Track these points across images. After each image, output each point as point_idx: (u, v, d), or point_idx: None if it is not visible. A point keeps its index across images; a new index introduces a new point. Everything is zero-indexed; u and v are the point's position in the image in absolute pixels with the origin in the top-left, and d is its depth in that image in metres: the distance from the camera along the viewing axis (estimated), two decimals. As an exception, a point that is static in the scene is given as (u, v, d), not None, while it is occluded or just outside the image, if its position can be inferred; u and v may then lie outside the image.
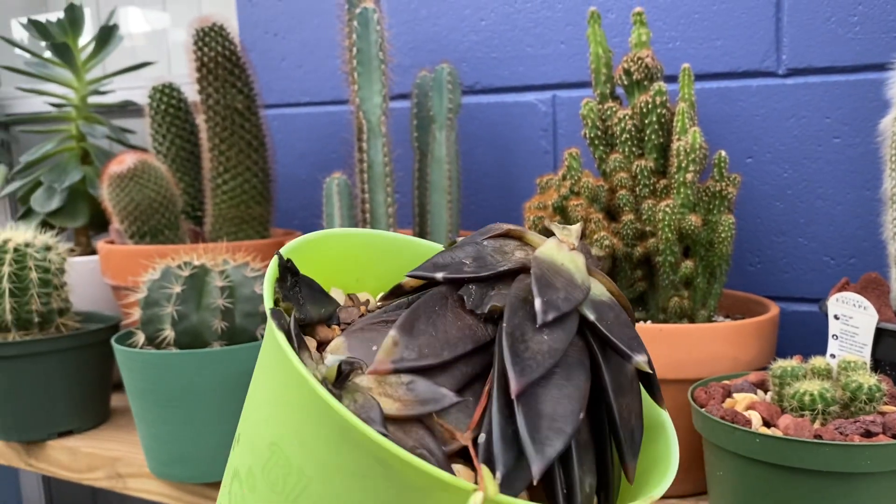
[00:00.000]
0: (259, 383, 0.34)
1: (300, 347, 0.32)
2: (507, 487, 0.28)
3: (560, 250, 0.36)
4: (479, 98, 0.93)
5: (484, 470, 0.28)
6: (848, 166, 0.76)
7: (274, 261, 0.37)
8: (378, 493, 0.28)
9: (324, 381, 0.31)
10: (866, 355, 0.59)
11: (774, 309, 0.68)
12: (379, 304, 0.40)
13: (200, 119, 0.91)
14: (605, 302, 0.35)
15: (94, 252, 1.06)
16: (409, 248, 0.44)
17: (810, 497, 0.50)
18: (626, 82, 0.73)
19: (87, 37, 1.09)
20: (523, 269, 0.35)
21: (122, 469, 0.81)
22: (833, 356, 0.61)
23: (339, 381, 0.32)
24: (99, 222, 1.06)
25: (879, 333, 0.58)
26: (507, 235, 0.38)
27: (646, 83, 0.72)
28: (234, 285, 0.72)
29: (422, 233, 0.85)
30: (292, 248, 0.39)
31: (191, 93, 0.94)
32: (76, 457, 0.83)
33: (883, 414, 0.52)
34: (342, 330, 0.38)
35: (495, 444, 0.29)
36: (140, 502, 1.35)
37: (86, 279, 0.94)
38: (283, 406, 0.31)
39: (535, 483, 0.28)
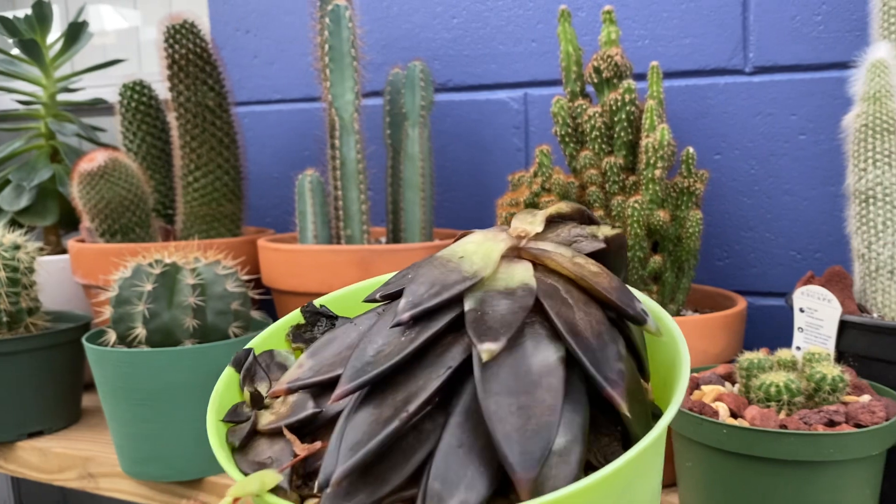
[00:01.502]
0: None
1: (248, 381, 0.37)
2: (334, 497, 0.28)
3: (483, 242, 0.34)
4: (452, 96, 0.93)
5: (259, 472, 0.29)
6: (814, 162, 0.77)
7: (296, 311, 0.41)
8: None
9: (235, 406, 0.36)
10: (831, 347, 0.60)
11: (742, 303, 0.70)
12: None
13: (171, 117, 0.91)
14: (508, 290, 0.31)
15: (64, 251, 1.04)
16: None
17: (776, 485, 0.51)
18: (595, 80, 0.74)
19: (55, 34, 1.07)
20: None
21: (93, 469, 0.80)
22: (799, 348, 0.62)
23: (256, 403, 0.36)
24: (69, 221, 1.05)
25: (843, 326, 0.60)
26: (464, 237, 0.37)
27: (615, 81, 0.73)
28: (206, 283, 0.72)
29: (395, 230, 0.85)
30: (335, 297, 0.43)
31: (162, 91, 0.93)
32: (47, 457, 0.82)
33: (846, 404, 0.53)
34: None
35: (327, 453, 0.29)
36: (111, 502, 1.34)
37: (56, 278, 0.93)
38: None
39: (324, 488, 0.27)
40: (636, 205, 0.68)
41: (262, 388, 0.36)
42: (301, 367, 0.33)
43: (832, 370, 0.54)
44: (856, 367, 0.58)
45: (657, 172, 0.68)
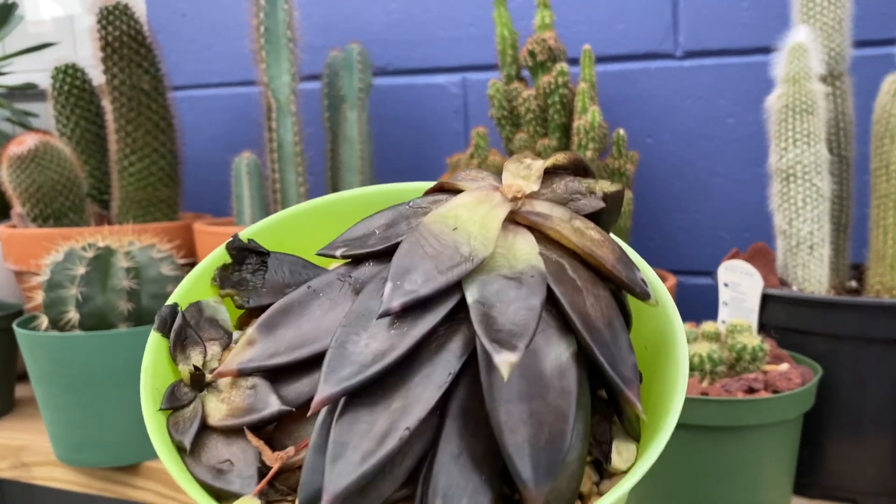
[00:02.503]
0: None
1: (178, 347, 0.32)
2: None
3: (477, 205, 0.29)
4: (392, 80, 0.93)
5: (241, 501, 0.26)
6: (741, 145, 0.79)
7: (220, 248, 0.34)
8: None
9: (173, 387, 0.31)
10: (753, 320, 0.62)
11: (671, 279, 0.71)
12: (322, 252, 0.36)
13: (106, 101, 0.89)
14: (514, 273, 0.27)
15: (-5, 239, 1.02)
16: (376, 197, 0.38)
17: (698, 451, 0.52)
18: (530, 63, 0.75)
19: (-16, 16, 1.05)
20: None
21: (27, 458, 0.78)
22: (724, 322, 0.64)
23: (197, 383, 0.31)
24: (0, 207, 1.03)
25: (765, 299, 0.62)
26: (441, 190, 0.32)
27: (549, 64, 0.74)
28: (140, 266, 0.71)
29: (334, 213, 0.85)
30: (264, 226, 0.36)
31: (98, 77, 0.91)
32: (-22, 447, 0.80)
33: (765, 373, 0.55)
34: None
35: (304, 466, 0.25)
36: (47, 492, 1.31)
37: (-14, 266, 0.91)
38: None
39: None
40: (569, 185, 0.69)
41: (196, 355, 0.32)
42: (252, 343, 0.29)
43: (752, 340, 0.56)
44: (777, 339, 0.61)
45: (589, 154, 0.70)
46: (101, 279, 0.70)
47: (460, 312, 0.26)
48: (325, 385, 0.25)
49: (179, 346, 0.33)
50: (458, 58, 0.90)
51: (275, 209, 0.80)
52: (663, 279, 0.73)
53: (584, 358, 0.27)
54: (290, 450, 0.28)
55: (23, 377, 0.91)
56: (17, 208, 0.87)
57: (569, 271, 0.28)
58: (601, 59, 0.83)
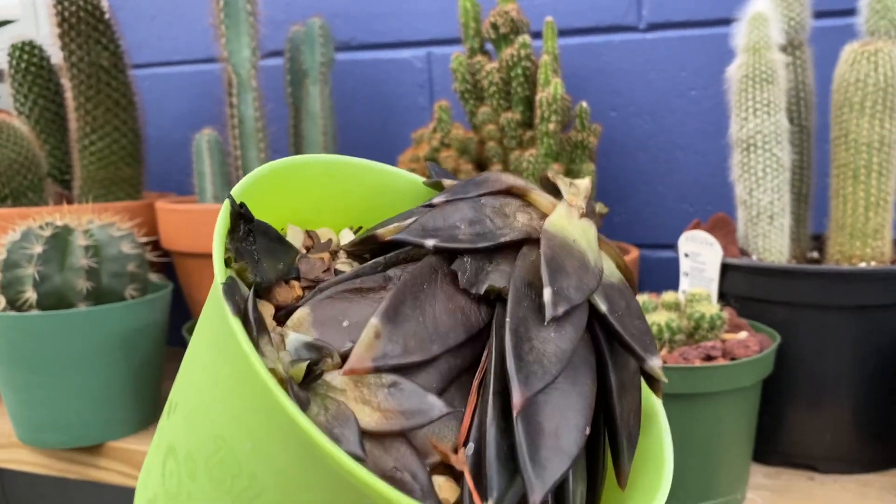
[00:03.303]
0: (201, 360, 0.30)
1: (259, 333, 0.27)
2: None
3: (570, 219, 0.31)
4: (355, 55, 0.92)
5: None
6: (704, 117, 0.79)
7: (225, 207, 0.30)
8: None
9: (288, 382, 0.26)
10: (714, 290, 0.62)
11: (634, 252, 0.72)
12: (345, 248, 0.35)
13: (65, 78, 0.88)
14: (615, 285, 0.30)
15: (-45, 221, 1.00)
16: (373, 175, 0.38)
17: (657, 419, 0.53)
18: (493, 36, 0.74)
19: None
20: (528, 241, 0.30)
21: (-12, 441, 0.78)
22: (684, 292, 0.64)
23: (307, 380, 0.27)
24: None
25: (725, 269, 0.62)
26: (508, 193, 0.33)
27: (512, 37, 0.73)
28: (100, 245, 0.70)
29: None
30: (246, 187, 0.32)
31: (58, 56, 0.90)
32: (-62, 431, 0.79)
33: (724, 341, 0.56)
34: (304, 289, 0.32)
35: (489, 464, 0.25)
36: (14, 475, 1.30)
37: (-55, 248, 0.90)
38: (233, 400, 0.26)
39: None
40: (531, 158, 0.69)
41: (268, 349, 0.27)
42: (379, 336, 0.26)
43: (711, 309, 0.56)
44: (737, 308, 0.61)
45: (551, 126, 0.69)
46: (59, 258, 0.69)
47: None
48: (522, 386, 0.25)
49: (257, 333, 0.27)
50: (422, 32, 0.89)
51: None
52: (626, 252, 0.73)
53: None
54: (462, 451, 0.27)
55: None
56: (-25, 189, 0.85)
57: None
58: (564, 33, 0.83)
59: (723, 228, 0.66)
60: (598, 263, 0.29)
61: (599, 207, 0.34)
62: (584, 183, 0.32)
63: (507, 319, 0.27)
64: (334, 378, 0.27)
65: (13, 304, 0.69)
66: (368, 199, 0.37)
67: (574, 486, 0.28)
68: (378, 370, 0.26)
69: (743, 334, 0.57)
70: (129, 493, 1.18)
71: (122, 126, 0.89)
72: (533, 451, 0.25)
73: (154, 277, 0.76)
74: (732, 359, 0.53)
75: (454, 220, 0.30)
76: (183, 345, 0.75)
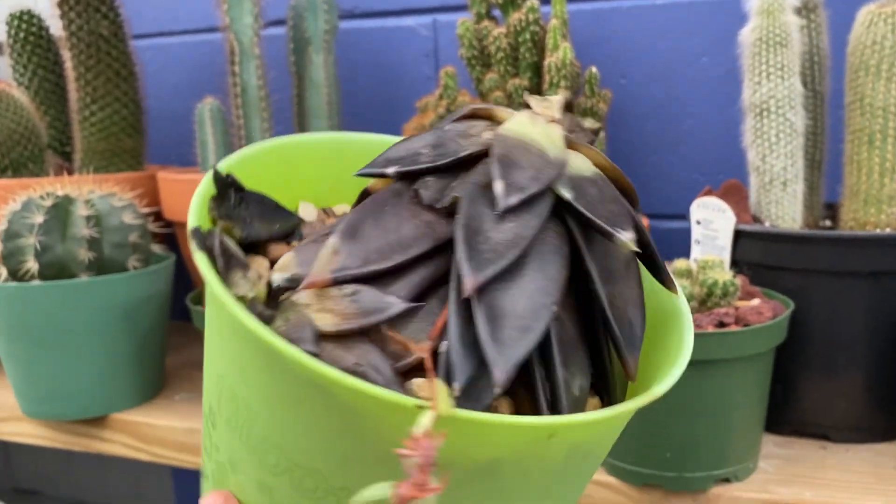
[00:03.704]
0: (206, 313, 0.32)
1: (229, 268, 0.29)
2: (469, 399, 0.25)
3: (533, 124, 0.31)
4: (360, 23, 0.91)
5: (437, 383, 0.24)
6: (715, 85, 0.78)
7: (207, 176, 0.32)
8: (321, 420, 0.25)
9: (252, 303, 0.28)
10: (726, 257, 0.61)
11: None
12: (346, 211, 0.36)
13: (65, 48, 0.86)
14: (587, 178, 0.30)
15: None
16: (384, 146, 0.39)
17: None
18: (500, 1, 0.73)
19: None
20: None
21: (-8, 413, 0.77)
22: (695, 260, 0.63)
23: (273, 301, 0.29)
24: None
25: (737, 236, 0.61)
26: (473, 116, 0.33)
27: (519, 1, 0.72)
28: (101, 215, 0.69)
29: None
30: (235, 161, 0.34)
31: (58, 29, 0.88)
32: (-59, 404, 0.79)
33: (737, 308, 0.55)
34: None
35: (453, 352, 0.25)
36: (20, 448, 1.30)
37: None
38: (220, 335, 0.29)
39: (497, 391, 0.24)
40: (539, 124, 0.68)
41: (240, 280, 0.29)
42: (337, 252, 0.28)
43: (723, 276, 0.55)
44: (749, 276, 0.60)
45: (560, 92, 0.68)
46: (61, 228, 0.68)
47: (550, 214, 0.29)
48: (473, 273, 0.25)
49: (226, 269, 0.29)
50: (427, -1, 0.87)
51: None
52: (636, 221, 0.72)
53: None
54: (430, 342, 0.27)
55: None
56: (-25, 160, 0.84)
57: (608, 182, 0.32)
58: (573, -2, 0.81)
59: (735, 195, 0.64)
60: (560, 156, 0.29)
61: (590, 123, 0.35)
62: (557, 98, 0.33)
63: (458, 216, 0.27)
64: (300, 296, 0.28)
65: (14, 275, 0.68)
66: None
67: (567, 377, 0.28)
68: (337, 282, 0.27)
69: (756, 301, 0.56)
70: (133, 465, 1.18)
71: (122, 97, 0.87)
72: (494, 330, 0.25)
73: (156, 249, 0.75)
74: (745, 325, 0.52)
75: (417, 147, 0.31)
76: (186, 317, 0.74)
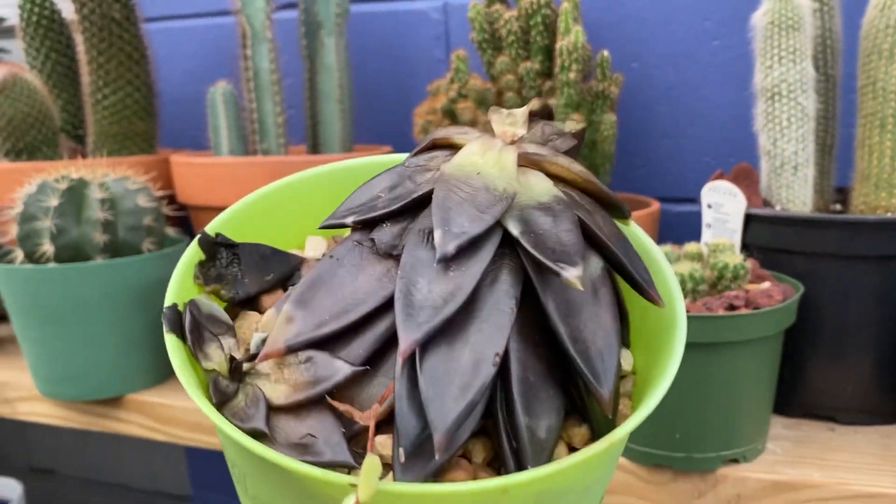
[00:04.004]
0: None
1: (202, 341, 0.30)
2: (419, 460, 0.25)
3: (484, 153, 0.30)
4: (371, 6, 0.91)
5: (367, 460, 0.23)
6: (727, 68, 0.78)
7: (193, 244, 0.33)
8: (284, 491, 0.27)
9: (216, 380, 0.29)
10: (736, 241, 0.61)
11: (655, 205, 0.71)
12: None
13: (77, 32, 0.87)
14: (542, 204, 0.29)
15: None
16: (384, 167, 0.38)
17: (680, 368, 0.52)
18: (512, -16, 0.73)
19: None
20: None
21: (9, 393, 0.78)
22: (706, 244, 0.64)
23: (236, 374, 0.29)
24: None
25: (748, 219, 0.61)
26: (434, 147, 0.33)
27: (531, -16, 0.72)
28: (116, 198, 0.70)
29: (314, 145, 0.84)
30: (226, 218, 0.35)
31: (70, 12, 0.88)
32: (-41, 384, 0.80)
33: (747, 291, 0.55)
34: None
35: (398, 416, 0.25)
36: (38, 428, 1.32)
37: (-39, 204, 0.90)
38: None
39: (438, 457, 0.24)
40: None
41: (215, 350, 0.30)
42: (291, 320, 0.28)
43: (734, 259, 0.55)
44: (760, 260, 0.60)
45: (572, 75, 0.68)
46: (76, 211, 0.69)
47: (502, 248, 0.28)
48: (407, 332, 0.25)
49: (197, 344, 0.31)
50: (438, -17, 0.87)
51: (252, 140, 0.79)
52: (647, 206, 0.72)
53: (607, 270, 0.30)
54: (376, 406, 0.27)
55: (4, 318, 0.91)
56: (-11, 143, 0.85)
57: (577, 199, 0.30)
58: (585, -19, 0.81)
59: (746, 179, 0.64)
60: (509, 189, 0.28)
61: (571, 125, 0.34)
62: (522, 110, 0.31)
63: (399, 271, 0.27)
64: (263, 366, 0.29)
65: (31, 257, 0.69)
66: None
67: (531, 423, 0.27)
68: (291, 350, 0.28)
69: (766, 284, 0.56)
70: (148, 445, 1.19)
71: (134, 80, 0.88)
72: (436, 390, 0.24)
73: (170, 231, 0.76)
74: (755, 308, 0.53)
75: (376, 190, 0.31)
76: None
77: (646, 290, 0.29)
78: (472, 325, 0.26)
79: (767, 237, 0.60)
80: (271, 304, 0.33)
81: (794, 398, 0.61)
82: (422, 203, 0.29)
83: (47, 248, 0.68)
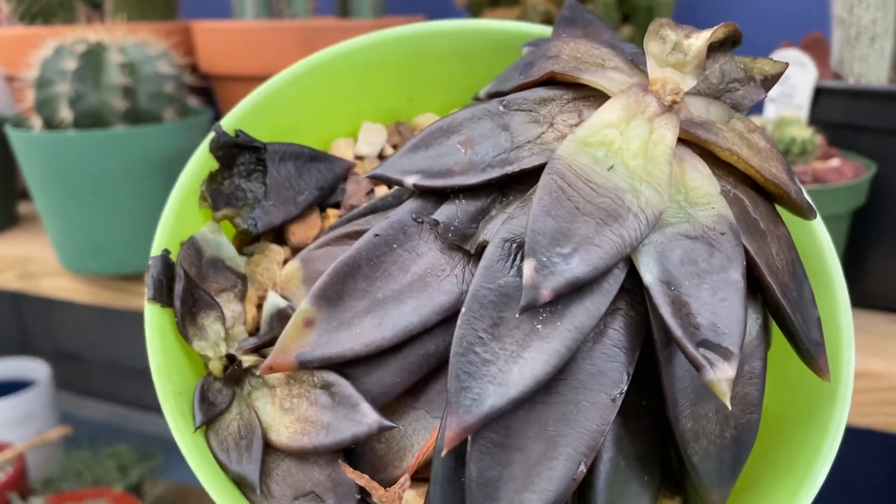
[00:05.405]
0: None
1: (196, 312, 0.23)
2: None
3: (628, 122, 0.20)
4: None
5: None
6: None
7: (201, 148, 0.25)
8: None
9: (207, 385, 0.23)
10: (803, 116, 0.57)
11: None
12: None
13: None
14: (697, 231, 0.20)
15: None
16: (479, 36, 0.29)
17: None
18: None
19: None
20: None
21: (32, 268, 0.77)
22: (769, 121, 0.59)
23: (233, 377, 0.23)
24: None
25: (818, 93, 0.56)
26: (551, 83, 0.23)
27: None
28: (135, 63, 0.66)
29: (344, 12, 0.78)
30: (255, 103, 0.27)
31: None
32: (-19, 258, 0.78)
33: (814, 168, 0.51)
34: (341, 216, 0.26)
35: (430, 501, 0.20)
36: (62, 306, 1.32)
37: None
38: None
39: None
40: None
41: (213, 323, 0.24)
42: (311, 325, 0.21)
43: (803, 132, 0.51)
44: (829, 137, 0.56)
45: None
46: (94, 76, 0.65)
47: (622, 290, 0.20)
48: (456, 413, 0.18)
49: (188, 315, 0.24)
50: None
51: (278, 6, 0.74)
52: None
53: (764, 326, 0.22)
54: (405, 480, 0.20)
55: (26, 195, 0.89)
56: (2, 7, 0.80)
57: (750, 210, 0.21)
58: None
59: (816, 50, 0.59)
60: (654, 201, 0.19)
61: (764, 67, 0.23)
62: (698, 44, 0.21)
63: (463, 309, 0.19)
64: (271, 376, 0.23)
65: (49, 124, 0.66)
66: (477, 69, 0.28)
67: None
68: (304, 366, 0.21)
69: (835, 161, 0.51)
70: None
71: (154, -58, 0.82)
72: (487, 494, 0.18)
73: (193, 102, 0.72)
74: (823, 185, 0.49)
75: (453, 139, 0.22)
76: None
77: (813, 360, 0.22)
78: (555, 404, 0.19)
79: (838, 112, 0.56)
80: (301, 236, 0.26)
81: (854, 287, 0.58)
82: (521, 178, 0.21)
83: (66, 114, 0.64)
